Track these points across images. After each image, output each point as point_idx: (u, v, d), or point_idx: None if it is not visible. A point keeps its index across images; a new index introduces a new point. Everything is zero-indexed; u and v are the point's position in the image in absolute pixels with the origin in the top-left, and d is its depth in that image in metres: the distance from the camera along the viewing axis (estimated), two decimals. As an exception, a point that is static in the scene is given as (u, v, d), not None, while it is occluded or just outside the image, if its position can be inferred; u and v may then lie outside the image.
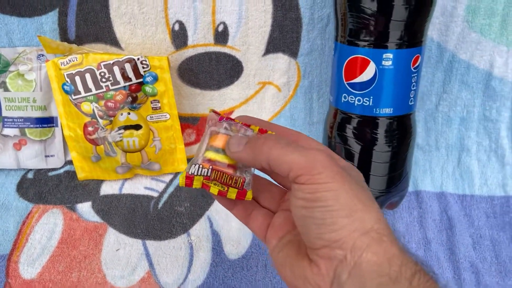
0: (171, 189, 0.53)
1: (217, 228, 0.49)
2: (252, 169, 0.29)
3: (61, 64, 0.48)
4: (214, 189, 0.28)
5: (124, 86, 0.49)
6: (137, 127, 0.50)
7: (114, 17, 0.49)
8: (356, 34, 0.40)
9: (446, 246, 0.47)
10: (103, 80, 0.48)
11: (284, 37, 0.50)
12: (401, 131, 0.44)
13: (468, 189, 0.52)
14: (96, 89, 0.49)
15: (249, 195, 0.28)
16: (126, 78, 0.48)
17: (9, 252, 0.47)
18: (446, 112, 0.53)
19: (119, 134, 0.50)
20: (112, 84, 0.48)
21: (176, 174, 0.54)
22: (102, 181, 0.54)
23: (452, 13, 0.48)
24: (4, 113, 0.51)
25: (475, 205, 0.50)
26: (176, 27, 0.49)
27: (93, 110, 0.49)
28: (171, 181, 0.54)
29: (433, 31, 0.49)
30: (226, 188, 0.28)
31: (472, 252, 0.46)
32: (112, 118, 0.50)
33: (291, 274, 0.26)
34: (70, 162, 0.54)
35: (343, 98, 0.43)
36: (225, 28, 0.49)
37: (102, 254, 0.47)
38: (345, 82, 0.42)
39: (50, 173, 0.54)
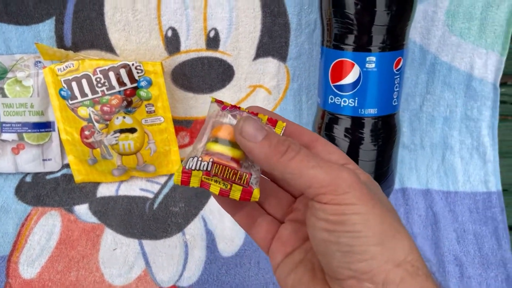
0: (166, 190, 0.54)
1: (211, 227, 0.51)
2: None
3: (58, 70, 0.50)
4: (215, 188, 0.24)
5: (119, 91, 0.50)
6: (132, 130, 0.52)
7: (109, 25, 0.51)
8: (341, 39, 0.42)
9: (432, 241, 0.49)
10: (99, 85, 0.50)
11: (273, 42, 0.52)
12: (386, 130, 0.46)
13: (452, 185, 0.54)
14: (92, 94, 0.50)
15: (255, 194, 0.24)
16: (121, 83, 0.50)
17: (9, 253, 0.48)
18: (430, 112, 0.55)
19: (115, 137, 0.52)
20: (107, 89, 0.50)
21: (171, 176, 0.56)
22: (98, 183, 0.55)
23: (433, 18, 0.50)
24: (3, 119, 0.53)
25: (459, 201, 0.52)
26: (169, 33, 0.51)
27: (90, 114, 0.51)
28: (166, 182, 0.55)
29: (415, 35, 0.51)
30: (229, 186, 0.24)
31: (456, 246, 0.48)
32: (108, 122, 0.51)
33: None
34: (67, 166, 0.55)
35: (330, 100, 0.45)
36: (217, 34, 0.51)
37: (99, 253, 0.48)
38: (332, 85, 0.44)
39: (48, 177, 0.55)
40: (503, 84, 0.53)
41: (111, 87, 0.50)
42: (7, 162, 0.54)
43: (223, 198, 0.25)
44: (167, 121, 0.53)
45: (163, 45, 0.52)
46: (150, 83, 0.51)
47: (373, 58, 0.42)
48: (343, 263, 0.21)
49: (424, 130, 0.55)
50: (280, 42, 0.52)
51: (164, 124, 0.53)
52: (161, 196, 0.54)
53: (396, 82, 0.44)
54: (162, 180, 0.55)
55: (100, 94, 0.50)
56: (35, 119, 0.53)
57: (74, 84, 0.50)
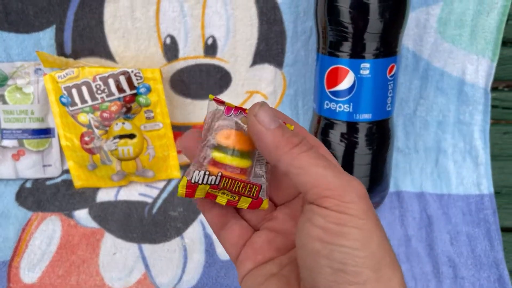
0: (164, 194, 0.55)
1: (210, 231, 0.51)
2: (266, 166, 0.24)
3: (58, 78, 0.50)
4: (221, 199, 0.23)
5: (119, 97, 0.51)
6: (131, 136, 0.53)
7: (108, 32, 0.52)
8: (335, 46, 0.44)
9: (426, 243, 0.50)
10: (99, 92, 0.51)
11: (269, 49, 0.53)
12: (380, 135, 0.47)
13: (445, 188, 0.55)
14: (92, 101, 0.51)
15: (264, 205, 0.24)
16: (120, 89, 0.51)
17: (10, 258, 0.48)
18: (424, 117, 0.56)
19: (114, 143, 0.52)
20: (107, 96, 0.51)
21: (169, 181, 0.57)
22: (98, 188, 0.56)
23: (425, 25, 0.51)
24: (3, 125, 0.54)
25: (452, 203, 0.53)
26: (168, 41, 0.52)
27: (89, 120, 0.52)
28: (165, 187, 0.56)
29: (408, 41, 0.52)
30: (237, 198, 0.23)
31: (450, 248, 0.49)
32: (107, 128, 0.52)
33: None
34: (67, 171, 0.56)
35: (325, 105, 0.46)
36: (214, 41, 0.52)
37: (99, 258, 0.49)
38: (327, 90, 0.45)
39: (48, 182, 0.56)
40: (494, 89, 0.54)
41: (110, 93, 0.51)
42: (8, 168, 0.55)
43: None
44: (166, 127, 0.53)
45: (162, 52, 0.53)
46: (149, 89, 0.52)
47: (367, 65, 0.43)
48: (331, 282, 0.18)
49: (418, 134, 0.56)
50: (277, 49, 0.53)
51: (163, 129, 0.53)
52: (160, 201, 0.54)
53: (389, 88, 0.45)
54: (161, 185, 0.56)
55: (99, 101, 0.51)
56: (35, 125, 0.54)
57: (74, 91, 0.51)
